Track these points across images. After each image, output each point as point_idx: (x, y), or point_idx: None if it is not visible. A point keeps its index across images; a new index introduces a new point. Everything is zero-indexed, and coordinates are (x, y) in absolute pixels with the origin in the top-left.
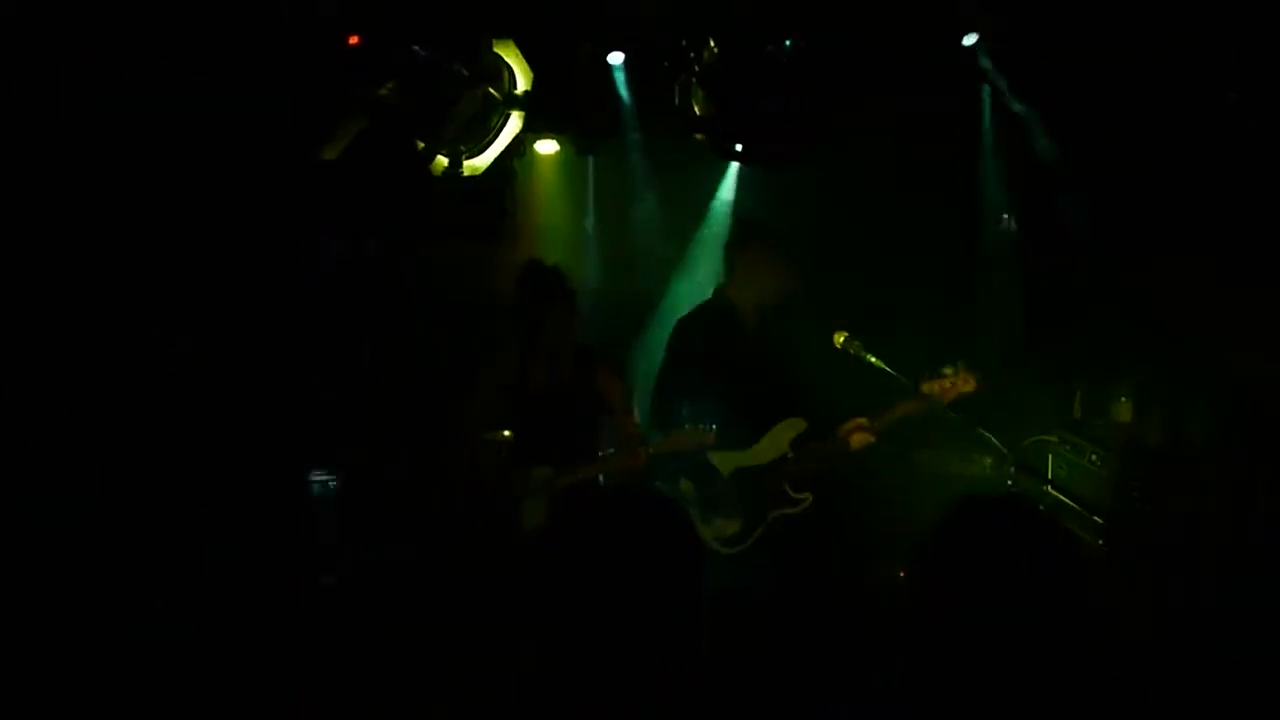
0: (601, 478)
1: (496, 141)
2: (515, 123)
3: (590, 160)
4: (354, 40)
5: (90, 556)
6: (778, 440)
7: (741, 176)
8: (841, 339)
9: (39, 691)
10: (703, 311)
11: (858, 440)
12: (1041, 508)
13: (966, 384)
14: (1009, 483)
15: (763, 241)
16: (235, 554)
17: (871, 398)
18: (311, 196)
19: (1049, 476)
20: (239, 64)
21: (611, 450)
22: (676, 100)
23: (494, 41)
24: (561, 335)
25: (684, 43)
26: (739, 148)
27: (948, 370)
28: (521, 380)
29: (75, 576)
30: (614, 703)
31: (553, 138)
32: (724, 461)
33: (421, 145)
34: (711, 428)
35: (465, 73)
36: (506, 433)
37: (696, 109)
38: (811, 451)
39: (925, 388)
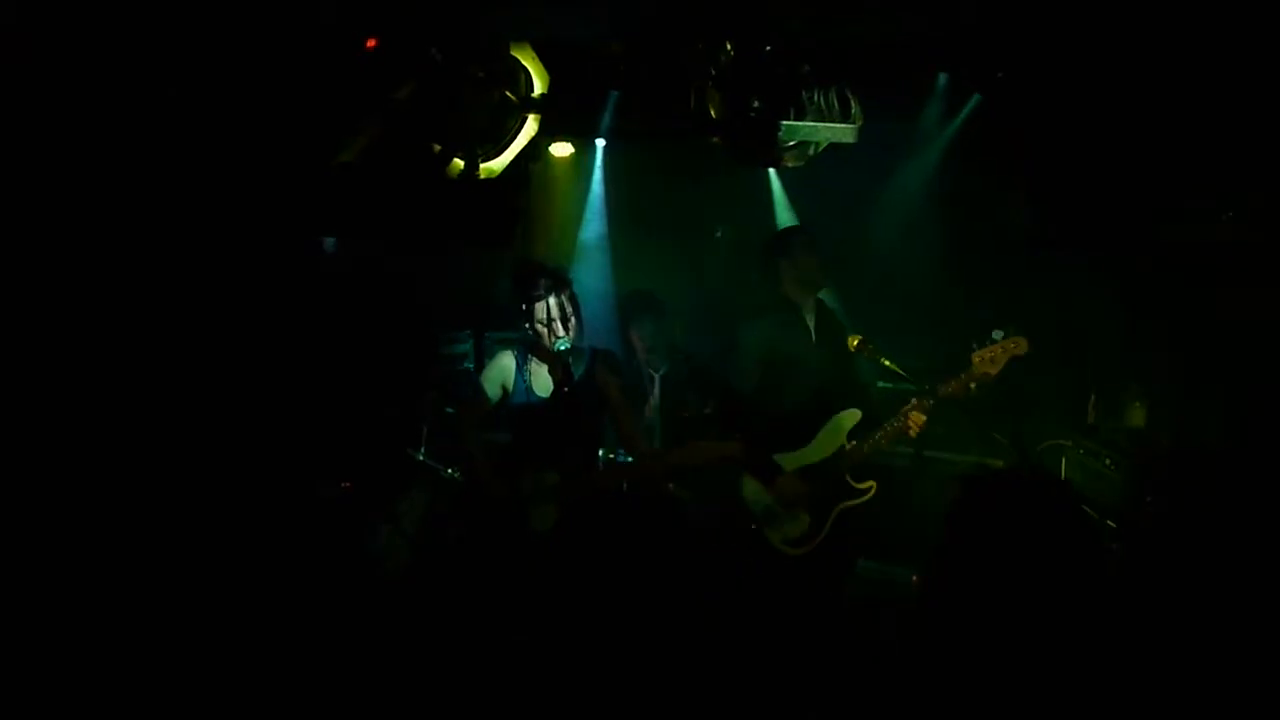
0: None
1: (513, 144)
2: (531, 126)
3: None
4: (371, 43)
5: (91, 558)
6: (834, 433)
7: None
8: (855, 342)
9: (47, 692)
10: (767, 313)
11: (915, 420)
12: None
13: (1018, 347)
14: None
15: (806, 240)
16: (240, 556)
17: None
18: (324, 201)
19: (1062, 479)
20: (251, 66)
21: (622, 457)
22: (692, 103)
23: (511, 45)
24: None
25: (700, 45)
26: (754, 152)
27: (997, 335)
28: (526, 383)
29: (72, 577)
30: (622, 700)
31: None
32: (787, 461)
33: (438, 148)
34: (736, 440)
35: (481, 75)
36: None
37: (713, 112)
38: (872, 439)
39: (976, 356)
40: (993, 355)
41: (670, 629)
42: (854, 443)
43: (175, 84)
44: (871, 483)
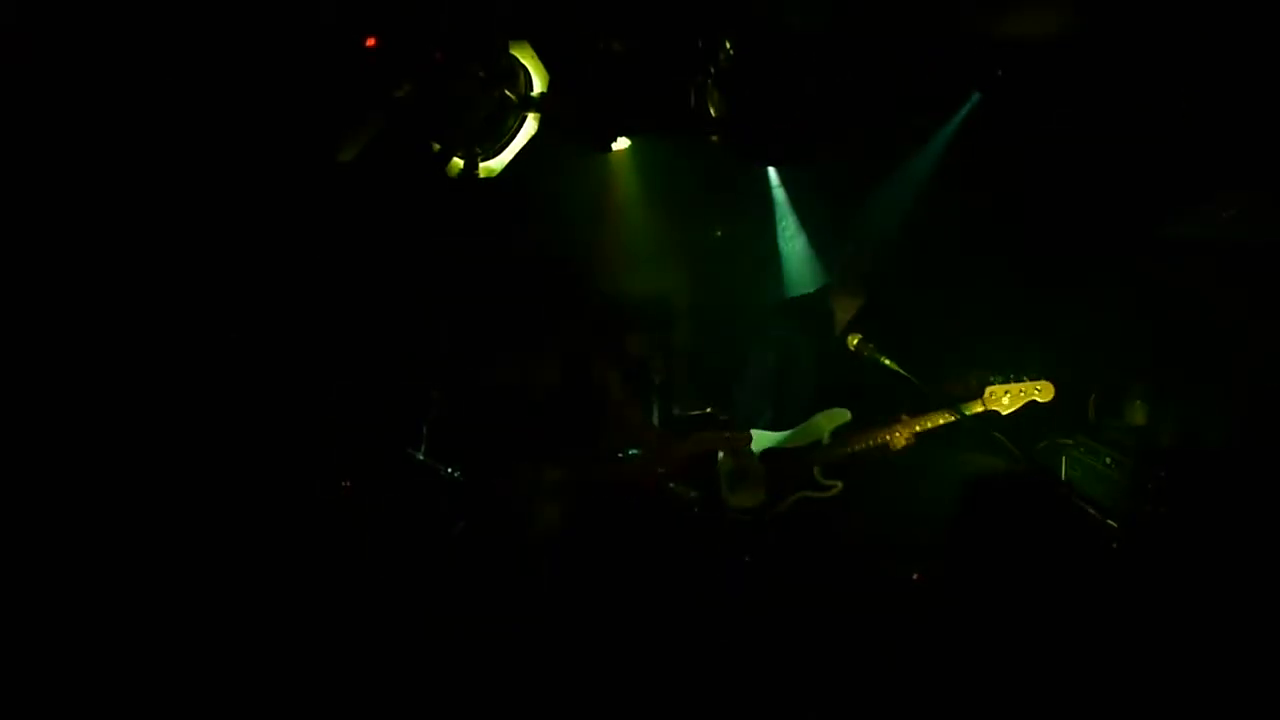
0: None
1: (512, 144)
2: (531, 124)
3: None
4: (370, 42)
5: (90, 556)
6: (816, 427)
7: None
8: (855, 341)
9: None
10: (799, 301)
11: (899, 437)
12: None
13: (1042, 393)
14: None
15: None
16: (239, 555)
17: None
18: (326, 198)
19: (1063, 479)
20: (254, 65)
21: (632, 451)
22: (692, 102)
23: (510, 43)
24: (571, 334)
25: (699, 43)
26: (756, 149)
27: (1012, 378)
28: (529, 379)
29: (71, 576)
30: (623, 698)
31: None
32: (759, 440)
33: (437, 147)
34: (747, 434)
35: (481, 74)
36: None
37: (712, 110)
38: (851, 445)
39: (991, 390)
40: (1009, 393)
41: (672, 627)
42: (832, 442)
43: (176, 84)
44: (838, 483)
